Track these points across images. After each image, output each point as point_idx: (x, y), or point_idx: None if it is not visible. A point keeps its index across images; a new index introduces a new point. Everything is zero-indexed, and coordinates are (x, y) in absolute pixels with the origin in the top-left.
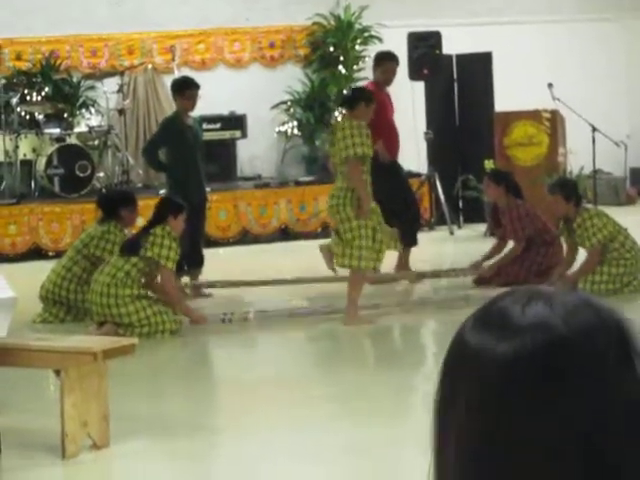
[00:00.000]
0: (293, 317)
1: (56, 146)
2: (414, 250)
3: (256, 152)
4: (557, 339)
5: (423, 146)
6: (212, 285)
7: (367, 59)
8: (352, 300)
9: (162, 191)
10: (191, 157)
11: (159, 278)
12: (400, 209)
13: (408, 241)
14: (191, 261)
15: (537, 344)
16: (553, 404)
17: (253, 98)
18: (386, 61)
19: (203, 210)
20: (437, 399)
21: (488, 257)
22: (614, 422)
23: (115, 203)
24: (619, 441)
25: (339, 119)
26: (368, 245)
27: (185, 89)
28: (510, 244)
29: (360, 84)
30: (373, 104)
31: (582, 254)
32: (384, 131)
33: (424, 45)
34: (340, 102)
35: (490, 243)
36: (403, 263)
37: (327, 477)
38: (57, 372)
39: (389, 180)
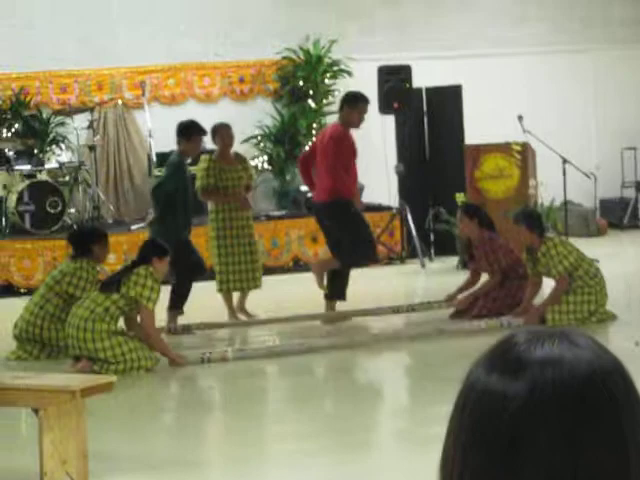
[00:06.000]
0: (270, 355)
1: (27, 182)
2: (386, 283)
3: None
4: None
5: (394, 179)
6: (188, 328)
7: (337, 93)
8: None
9: (133, 227)
10: (190, 197)
11: (139, 318)
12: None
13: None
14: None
15: (546, 382)
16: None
17: None
18: (362, 102)
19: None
20: (447, 435)
21: (462, 290)
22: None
23: (86, 239)
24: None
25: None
26: None
27: (193, 134)
28: (484, 277)
29: (329, 120)
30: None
31: (547, 284)
32: (352, 173)
33: (394, 79)
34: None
35: (462, 276)
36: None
37: None
38: (35, 410)
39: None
